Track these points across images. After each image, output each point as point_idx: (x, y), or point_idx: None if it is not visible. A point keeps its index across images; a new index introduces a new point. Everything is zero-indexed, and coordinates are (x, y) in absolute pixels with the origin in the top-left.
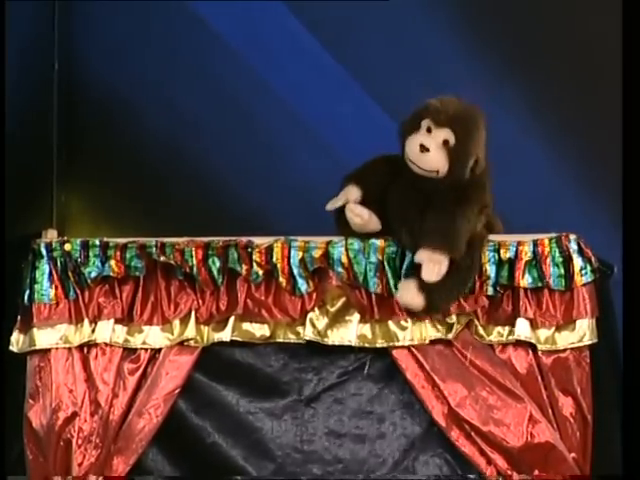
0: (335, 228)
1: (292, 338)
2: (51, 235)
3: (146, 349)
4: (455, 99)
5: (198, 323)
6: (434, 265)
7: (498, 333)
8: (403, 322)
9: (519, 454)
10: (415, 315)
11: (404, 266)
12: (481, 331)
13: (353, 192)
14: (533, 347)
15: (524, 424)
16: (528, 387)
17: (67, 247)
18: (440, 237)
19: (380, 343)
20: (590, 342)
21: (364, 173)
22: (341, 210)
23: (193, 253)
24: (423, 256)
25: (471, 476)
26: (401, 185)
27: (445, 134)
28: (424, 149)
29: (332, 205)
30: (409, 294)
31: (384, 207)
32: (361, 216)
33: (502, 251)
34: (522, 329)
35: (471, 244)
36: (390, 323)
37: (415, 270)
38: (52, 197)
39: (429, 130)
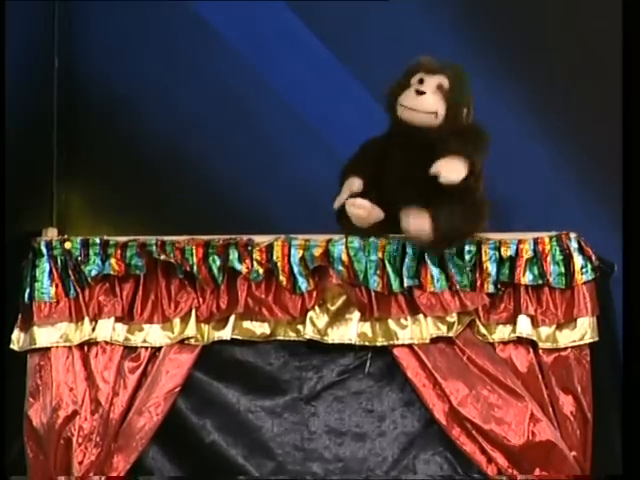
0: (338, 227)
1: (292, 336)
2: (51, 233)
3: (146, 347)
4: None
5: (198, 321)
6: (453, 166)
7: (499, 331)
8: (403, 320)
9: (520, 452)
10: (415, 313)
11: (405, 265)
12: (482, 330)
13: (355, 183)
14: (534, 345)
15: (525, 422)
16: (529, 385)
17: (67, 245)
18: (457, 146)
19: (380, 341)
20: (591, 340)
21: (359, 162)
22: (341, 208)
23: (193, 251)
24: (440, 163)
25: (472, 475)
26: (397, 154)
27: (438, 79)
28: (420, 92)
29: (338, 203)
30: (419, 220)
31: (383, 190)
32: (363, 207)
33: (503, 249)
34: (523, 326)
35: (479, 182)
36: (390, 321)
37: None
38: (52, 196)
39: (421, 81)
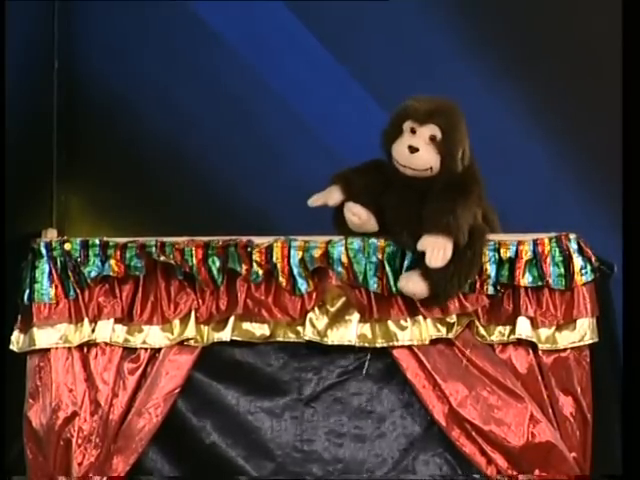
0: (332, 227)
1: (292, 338)
2: (51, 234)
3: (146, 349)
4: (429, 97)
5: (198, 323)
6: (438, 250)
7: (499, 333)
8: (403, 322)
9: (520, 454)
10: (415, 315)
11: (404, 266)
12: (482, 331)
13: (334, 194)
14: (533, 347)
15: (525, 424)
16: (528, 387)
17: (67, 246)
18: (442, 222)
19: (380, 343)
20: (591, 341)
21: (351, 176)
22: (339, 209)
23: (193, 253)
24: (426, 242)
25: (472, 476)
26: (395, 189)
27: (430, 130)
28: (413, 150)
29: (312, 203)
30: (412, 282)
31: (379, 210)
32: (359, 215)
33: (502, 250)
34: (523, 328)
35: (472, 235)
36: (390, 323)
37: (418, 261)
38: (52, 197)
39: (413, 131)
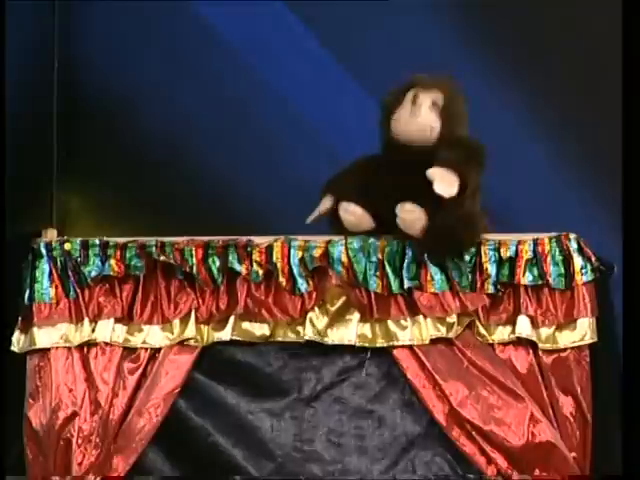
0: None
1: (292, 337)
2: (51, 234)
3: (146, 348)
4: None
5: (198, 322)
6: (446, 182)
7: (499, 332)
8: (403, 321)
9: (520, 453)
10: (415, 314)
11: (404, 266)
12: (482, 331)
13: (325, 203)
14: (533, 346)
15: (525, 423)
16: (528, 386)
17: (67, 246)
18: (453, 160)
19: (380, 343)
20: (591, 341)
21: (338, 181)
22: (335, 214)
23: (193, 252)
24: (436, 172)
25: (471, 476)
26: (391, 168)
27: (433, 96)
28: (415, 110)
29: (311, 220)
30: (415, 210)
31: (374, 206)
32: (353, 213)
33: (502, 250)
34: (523, 327)
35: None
36: (390, 322)
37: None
38: (52, 196)
39: (415, 97)
